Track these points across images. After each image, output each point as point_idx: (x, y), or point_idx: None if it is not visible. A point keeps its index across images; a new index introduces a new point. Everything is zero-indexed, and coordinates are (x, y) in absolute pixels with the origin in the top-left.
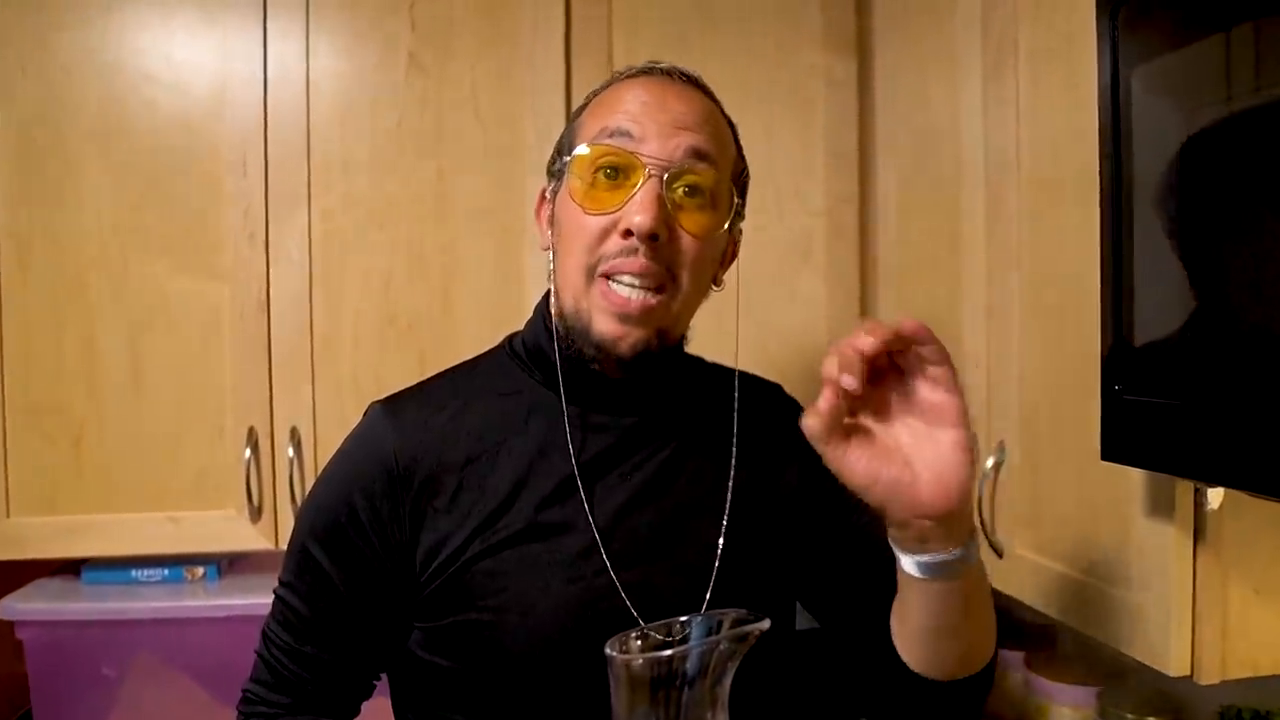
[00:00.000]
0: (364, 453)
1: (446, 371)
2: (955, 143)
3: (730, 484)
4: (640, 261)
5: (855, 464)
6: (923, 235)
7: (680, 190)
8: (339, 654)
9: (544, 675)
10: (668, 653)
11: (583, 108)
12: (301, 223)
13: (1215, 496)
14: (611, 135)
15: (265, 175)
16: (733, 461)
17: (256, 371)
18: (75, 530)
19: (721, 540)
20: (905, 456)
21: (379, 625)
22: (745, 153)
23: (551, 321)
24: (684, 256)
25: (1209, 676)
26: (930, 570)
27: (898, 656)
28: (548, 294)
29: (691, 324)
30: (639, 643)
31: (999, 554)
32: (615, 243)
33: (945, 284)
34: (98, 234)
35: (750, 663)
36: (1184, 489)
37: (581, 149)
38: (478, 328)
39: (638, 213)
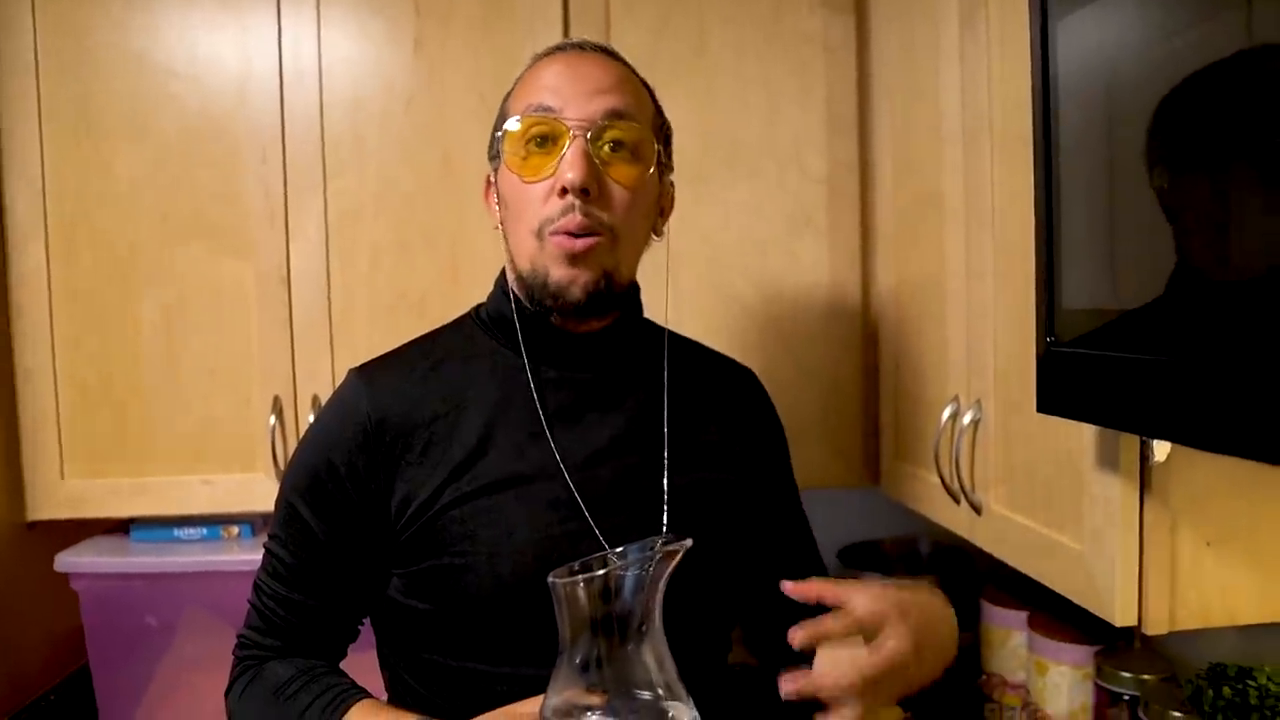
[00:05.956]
0: (340, 415)
1: (417, 339)
2: (936, 101)
3: (666, 440)
4: (578, 219)
5: None
6: (912, 198)
7: (605, 147)
8: (324, 600)
9: (511, 615)
10: (602, 571)
11: (509, 94)
12: (318, 203)
13: (1161, 449)
14: (536, 109)
15: (283, 160)
16: (665, 417)
17: (280, 344)
18: (123, 492)
19: (666, 492)
20: None
21: (360, 572)
22: (747, 119)
23: (510, 289)
24: (617, 206)
25: (1156, 627)
26: None
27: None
28: (505, 268)
29: (676, 295)
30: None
31: (977, 511)
32: (555, 204)
33: (932, 247)
34: (135, 222)
35: (694, 592)
36: (1129, 441)
37: (511, 124)
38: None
39: (569, 170)
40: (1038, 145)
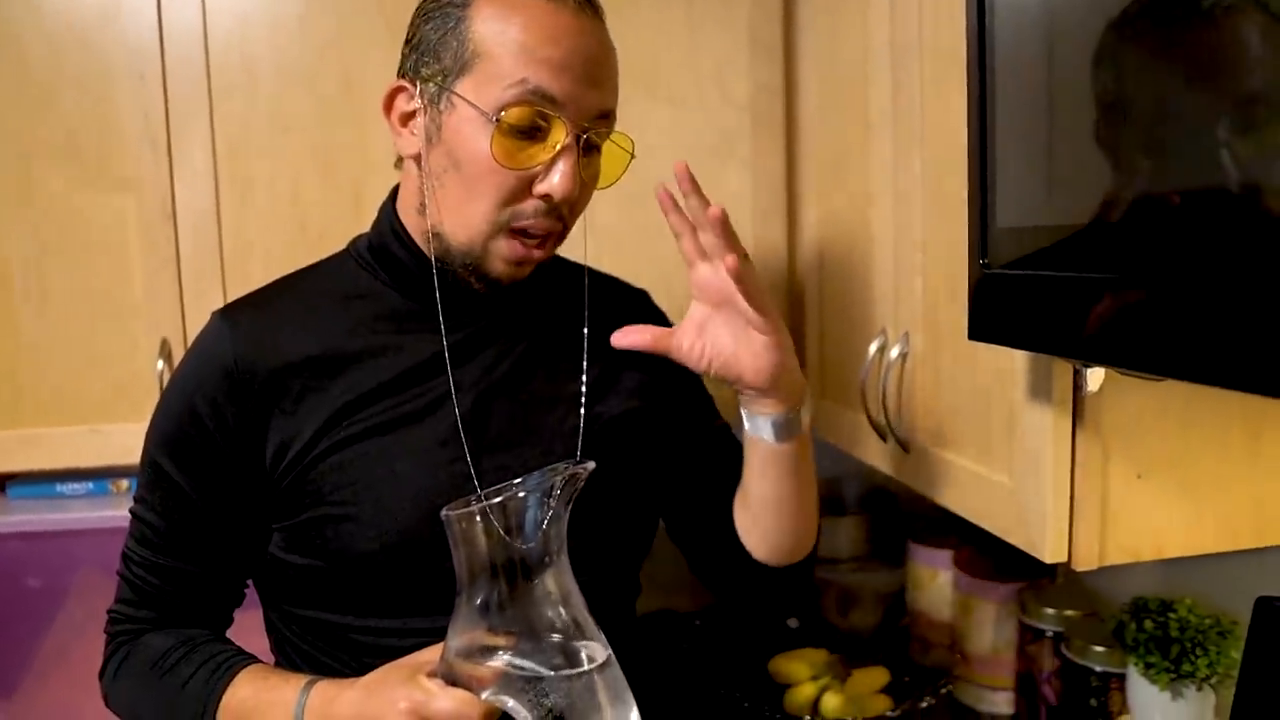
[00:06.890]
0: (204, 361)
1: (289, 276)
2: (864, 17)
3: (584, 377)
4: (550, 223)
5: (689, 353)
6: (838, 121)
7: (586, 147)
8: (200, 563)
9: (399, 563)
10: (498, 500)
11: (466, 4)
12: (204, 130)
13: (1095, 378)
14: (536, 93)
15: (163, 81)
16: (584, 354)
17: (166, 283)
18: None
19: (581, 429)
20: (731, 349)
21: (236, 530)
22: (666, 40)
23: (400, 224)
24: (581, 203)
25: (1086, 563)
26: (774, 430)
27: (740, 547)
28: (394, 194)
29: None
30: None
31: (905, 449)
32: (529, 204)
33: (858, 172)
34: None
35: (601, 527)
36: (1062, 371)
37: (503, 104)
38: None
39: (560, 180)
40: (971, 60)
